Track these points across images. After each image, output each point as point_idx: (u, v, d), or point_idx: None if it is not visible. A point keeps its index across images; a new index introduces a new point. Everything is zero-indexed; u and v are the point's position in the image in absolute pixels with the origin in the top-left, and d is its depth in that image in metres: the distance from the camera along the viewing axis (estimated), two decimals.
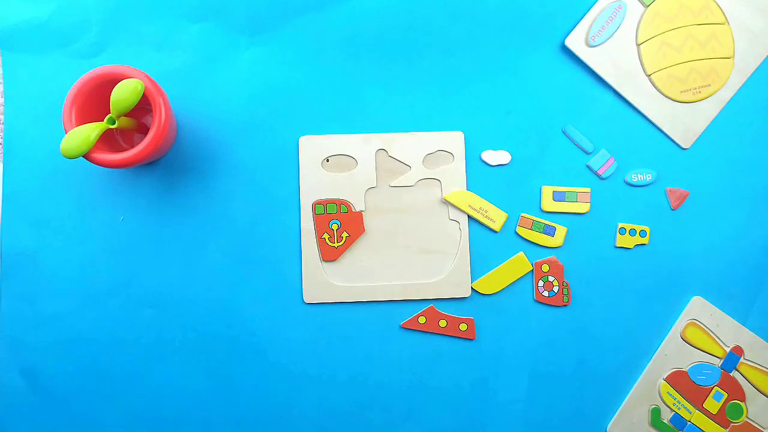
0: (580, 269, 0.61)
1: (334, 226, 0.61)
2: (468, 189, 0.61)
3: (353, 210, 0.61)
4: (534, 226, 0.60)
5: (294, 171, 0.61)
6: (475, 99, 0.61)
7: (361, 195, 0.61)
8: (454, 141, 0.61)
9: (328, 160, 0.61)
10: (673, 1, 0.60)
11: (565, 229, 0.61)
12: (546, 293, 0.60)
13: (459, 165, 0.61)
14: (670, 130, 0.61)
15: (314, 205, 0.61)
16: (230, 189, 0.61)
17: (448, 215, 0.61)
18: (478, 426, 0.61)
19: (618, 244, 0.61)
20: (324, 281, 0.61)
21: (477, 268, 0.61)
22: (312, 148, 0.61)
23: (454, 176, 0.61)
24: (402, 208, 0.61)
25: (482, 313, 0.61)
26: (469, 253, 0.61)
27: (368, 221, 0.61)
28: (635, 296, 0.61)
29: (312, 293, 0.61)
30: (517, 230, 0.61)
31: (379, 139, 0.61)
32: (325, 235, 0.61)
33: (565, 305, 0.61)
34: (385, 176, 0.61)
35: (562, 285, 0.60)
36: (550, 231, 0.60)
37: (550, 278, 0.60)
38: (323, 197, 0.61)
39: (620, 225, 0.61)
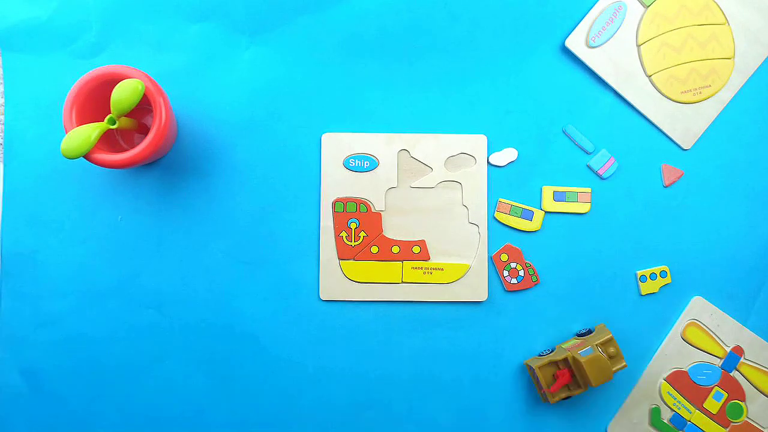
0: (581, 266, 0.61)
1: (353, 225, 0.61)
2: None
3: (372, 210, 0.61)
4: (512, 211, 0.61)
5: (300, 169, 0.61)
6: (475, 99, 0.61)
7: (381, 195, 0.61)
8: (477, 144, 0.61)
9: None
10: (673, 1, 0.60)
11: (543, 213, 0.61)
12: (514, 280, 0.60)
13: (480, 168, 0.61)
14: (670, 131, 0.61)
15: (334, 203, 0.61)
16: (231, 189, 0.61)
17: (467, 218, 0.61)
18: (479, 426, 0.61)
19: (643, 292, 0.61)
20: (341, 279, 0.61)
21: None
22: (334, 145, 0.61)
23: (475, 179, 0.61)
24: (422, 210, 0.61)
25: (481, 313, 0.61)
26: (487, 257, 0.61)
27: (387, 220, 0.61)
28: (634, 294, 0.61)
29: (328, 291, 0.61)
30: (495, 215, 0.61)
31: (401, 140, 0.61)
32: (343, 234, 0.61)
33: (536, 284, 0.61)
34: (406, 177, 0.61)
35: (526, 267, 0.60)
36: (528, 215, 0.61)
37: (512, 265, 0.60)
38: (343, 195, 0.61)
39: (640, 273, 0.61)
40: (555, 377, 0.57)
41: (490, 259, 0.61)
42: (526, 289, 0.61)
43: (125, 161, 0.53)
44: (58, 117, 0.57)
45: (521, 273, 0.60)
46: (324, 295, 0.60)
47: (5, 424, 0.61)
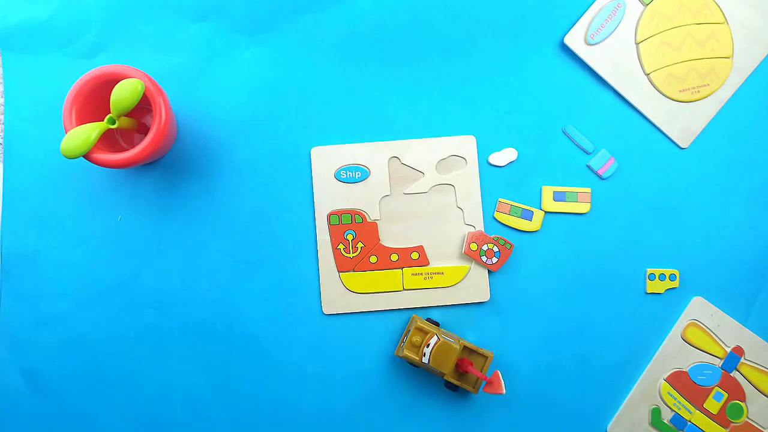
0: (581, 266, 0.61)
1: (349, 237, 0.60)
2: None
3: (368, 220, 0.60)
4: (512, 211, 0.60)
5: (300, 170, 0.61)
6: (475, 99, 0.61)
7: (375, 204, 0.61)
8: (466, 145, 0.61)
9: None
10: (672, 0, 0.61)
11: (542, 213, 0.61)
12: (494, 260, 0.60)
13: (472, 169, 0.61)
14: (668, 130, 0.61)
15: (329, 216, 0.61)
16: (230, 189, 0.61)
17: (463, 220, 0.61)
18: (479, 426, 0.61)
19: (649, 291, 0.61)
20: (342, 291, 0.60)
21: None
22: (324, 158, 0.61)
23: (467, 180, 0.61)
24: (417, 215, 0.61)
25: (481, 314, 0.61)
26: None
27: (383, 228, 0.61)
28: (634, 295, 0.61)
29: (331, 304, 0.60)
30: (495, 215, 0.61)
31: (390, 147, 0.61)
32: (340, 246, 0.60)
33: (513, 249, 0.60)
34: (399, 184, 0.61)
35: (496, 242, 0.60)
36: (527, 215, 0.60)
37: (485, 248, 0.60)
38: (337, 208, 0.61)
39: (649, 271, 0.61)
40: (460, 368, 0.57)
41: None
42: (509, 260, 0.60)
43: (125, 161, 0.53)
44: (58, 117, 0.57)
45: (495, 249, 0.60)
46: (327, 309, 0.60)
47: (5, 424, 0.61)
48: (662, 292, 0.61)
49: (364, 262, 0.61)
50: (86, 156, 0.53)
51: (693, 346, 0.61)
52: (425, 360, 0.56)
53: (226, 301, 0.61)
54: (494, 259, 0.60)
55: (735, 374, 0.60)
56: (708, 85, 0.61)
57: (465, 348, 0.58)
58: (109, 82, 0.53)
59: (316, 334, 0.61)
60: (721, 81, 0.61)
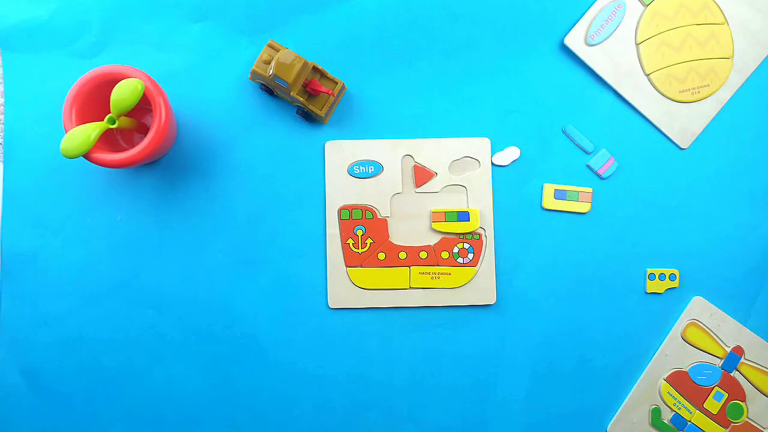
0: (581, 266, 0.61)
1: (359, 232, 0.60)
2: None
3: (378, 216, 0.61)
4: (447, 217, 0.60)
5: (300, 169, 0.61)
6: (475, 99, 0.61)
7: (386, 201, 0.61)
8: (480, 147, 0.61)
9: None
10: (672, 0, 0.61)
11: (479, 210, 0.60)
12: (470, 256, 0.60)
13: (485, 171, 0.61)
14: (668, 130, 0.61)
15: (340, 210, 0.61)
16: (230, 189, 0.61)
17: None
18: (479, 426, 0.61)
19: (649, 290, 0.61)
20: (349, 286, 0.60)
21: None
22: (337, 153, 0.61)
23: (479, 182, 0.61)
24: (428, 214, 0.61)
25: (483, 316, 0.61)
26: (494, 260, 0.61)
27: (393, 226, 0.61)
28: (634, 295, 0.61)
29: (337, 298, 0.60)
30: (432, 226, 0.60)
31: (405, 145, 0.61)
32: (350, 241, 0.60)
33: (482, 233, 0.60)
34: (411, 182, 0.61)
35: (462, 240, 0.60)
36: (464, 217, 0.60)
37: (455, 250, 0.60)
38: (349, 202, 0.61)
39: (649, 270, 0.61)
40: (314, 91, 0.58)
41: (497, 263, 0.61)
42: (482, 249, 0.60)
43: (125, 161, 0.53)
44: (58, 117, 0.57)
45: (465, 246, 0.60)
46: (333, 303, 0.60)
47: (5, 424, 0.61)
48: (662, 291, 0.61)
49: (372, 258, 0.61)
50: (86, 156, 0.53)
51: (693, 346, 0.61)
52: (270, 72, 0.55)
53: (227, 300, 0.61)
54: (470, 256, 0.60)
55: (735, 374, 0.61)
56: (708, 85, 0.61)
57: (316, 70, 0.58)
58: (109, 82, 0.53)
59: (320, 328, 0.61)
60: (721, 81, 0.61)
